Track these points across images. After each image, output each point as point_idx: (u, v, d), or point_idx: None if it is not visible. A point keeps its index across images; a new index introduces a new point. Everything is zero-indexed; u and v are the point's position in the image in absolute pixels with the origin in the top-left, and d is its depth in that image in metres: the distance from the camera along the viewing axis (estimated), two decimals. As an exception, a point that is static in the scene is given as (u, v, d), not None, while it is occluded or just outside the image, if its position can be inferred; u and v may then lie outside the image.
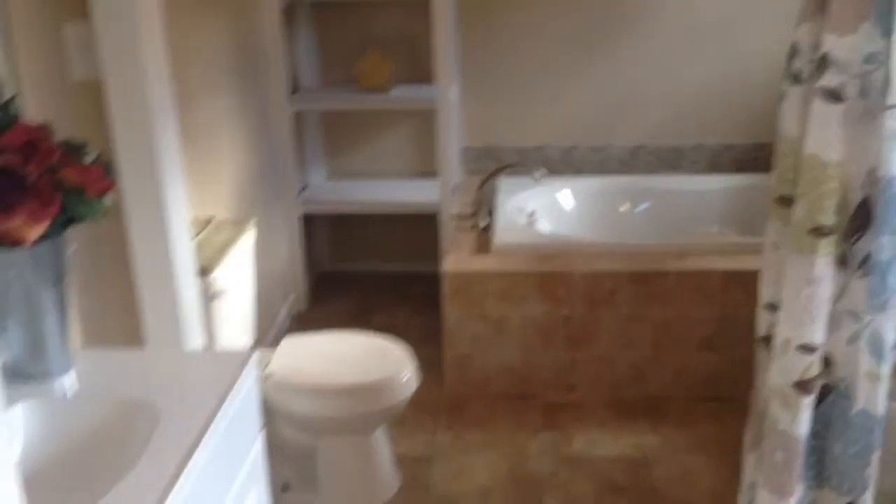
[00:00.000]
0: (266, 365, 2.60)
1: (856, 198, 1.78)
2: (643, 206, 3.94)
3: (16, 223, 1.34)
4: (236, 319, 2.65)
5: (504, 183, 3.81)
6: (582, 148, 4.07)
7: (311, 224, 4.14)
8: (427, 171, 4.08)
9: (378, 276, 4.31)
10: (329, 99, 3.93)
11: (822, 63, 1.71)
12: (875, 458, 1.94)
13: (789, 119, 1.86)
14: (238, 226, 2.75)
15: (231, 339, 2.59)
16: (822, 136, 1.74)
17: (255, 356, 1.66)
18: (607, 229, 3.81)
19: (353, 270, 4.38)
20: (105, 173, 1.47)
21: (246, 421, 1.61)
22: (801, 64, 1.81)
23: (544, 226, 3.67)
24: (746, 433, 2.14)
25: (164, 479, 1.26)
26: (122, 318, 2.16)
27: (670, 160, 4.06)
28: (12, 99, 1.48)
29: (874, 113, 1.71)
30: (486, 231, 3.51)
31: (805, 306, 1.83)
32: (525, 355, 3.23)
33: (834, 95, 1.71)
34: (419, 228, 4.08)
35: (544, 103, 4.02)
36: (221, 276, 2.47)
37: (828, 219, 1.78)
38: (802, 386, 1.87)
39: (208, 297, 2.40)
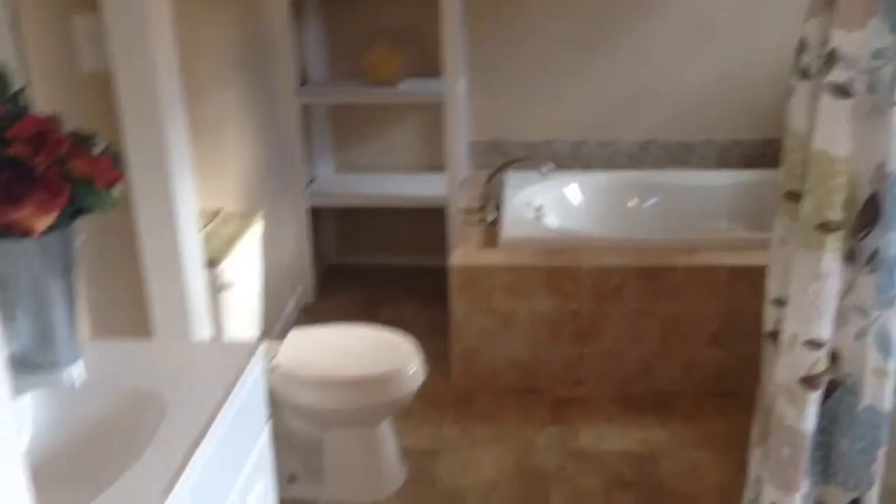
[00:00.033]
0: (273, 357, 2.61)
1: (864, 193, 1.77)
2: (651, 201, 3.93)
3: (24, 214, 1.34)
4: (243, 311, 2.66)
5: (512, 177, 3.81)
6: (590, 143, 4.07)
7: (319, 217, 4.15)
8: (435, 164, 4.08)
9: (385, 269, 4.32)
10: (337, 92, 3.94)
11: (831, 58, 1.70)
12: (881, 454, 1.93)
13: (798, 114, 1.85)
14: (246, 218, 2.76)
15: (238, 331, 2.60)
16: (831, 131, 1.74)
17: (262, 347, 1.67)
18: (615, 224, 3.81)
19: (360, 264, 4.38)
20: (113, 165, 1.48)
21: (252, 412, 1.62)
22: (810, 59, 1.80)
23: (552, 220, 3.67)
24: (753, 428, 2.14)
25: (170, 469, 1.27)
26: (129, 309, 2.16)
27: (679, 155, 4.06)
28: (21, 90, 1.49)
29: (882, 108, 1.70)
30: (494, 225, 3.50)
31: (812, 302, 1.82)
32: (532, 349, 3.23)
33: (842, 91, 1.71)
34: (427, 222, 4.08)
35: (553, 97, 4.01)
36: (229, 268, 2.48)
37: (836, 214, 1.77)
38: (809, 381, 1.87)
39: (216, 288, 2.41)
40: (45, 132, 1.38)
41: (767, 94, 3.89)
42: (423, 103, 3.99)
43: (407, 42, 3.91)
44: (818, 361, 1.86)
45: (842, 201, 1.77)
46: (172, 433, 1.36)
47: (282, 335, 2.92)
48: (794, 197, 1.88)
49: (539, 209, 3.64)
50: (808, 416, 1.89)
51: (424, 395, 2.76)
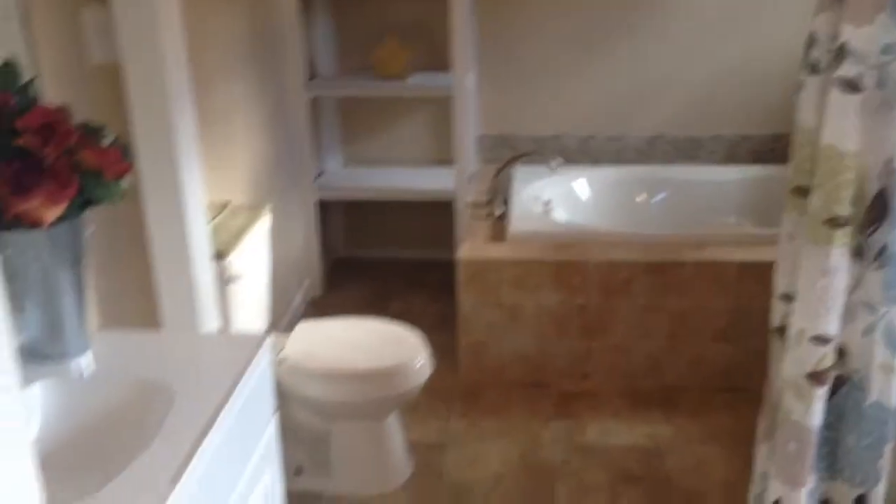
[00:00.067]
0: (280, 349, 2.61)
1: (872, 189, 1.77)
2: (660, 196, 3.93)
3: (34, 204, 1.35)
4: (251, 304, 2.67)
5: (520, 171, 3.81)
6: (599, 137, 4.06)
7: (327, 210, 4.16)
8: (443, 158, 4.08)
9: (393, 262, 4.32)
10: (346, 86, 3.94)
11: (840, 53, 1.70)
12: (888, 449, 1.93)
13: (806, 109, 1.85)
14: (254, 211, 2.77)
15: (246, 324, 2.61)
16: (840, 126, 1.73)
17: (270, 339, 1.67)
18: (623, 219, 3.80)
19: (368, 257, 4.39)
20: (123, 156, 1.48)
21: (260, 403, 1.63)
22: (819, 54, 1.79)
23: (560, 215, 3.66)
24: (760, 424, 2.14)
25: (178, 460, 1.28)
26: (138, 301, 2.17)
27: (688, 150, 4.05)
28: (31, 81, 1.49)
29: (891, 104, 1.70)
30: (502, 219, 3.50)
31: (820, 297, 1.82)
32: (540, 343, 3.23)
33: (851, 86, 1.70)
34: (435, 216, 4.08)
35: (561, 92, 4.01)
36: (237, 260, 2.49)
37: (844, 210, 1.77)
38: (816, 377, 1.87)
39: (224, 280, 2.42)
40: (54, 123, 1.39)
41: (776, 89, 3.87)
42: (431, 97, 3.99)
43: (416, 36, 3.91)
44: (825, 357, 1.86)
45: (850, 197, 1.77)
46: (180, 424, 1.37)
47: (289, 328, 2.93)
48: (803, 192, 1.88)
49: (547, 203, 3.64)
50: (815, 411, 1.89)
51: (431, 388, 2.76)
